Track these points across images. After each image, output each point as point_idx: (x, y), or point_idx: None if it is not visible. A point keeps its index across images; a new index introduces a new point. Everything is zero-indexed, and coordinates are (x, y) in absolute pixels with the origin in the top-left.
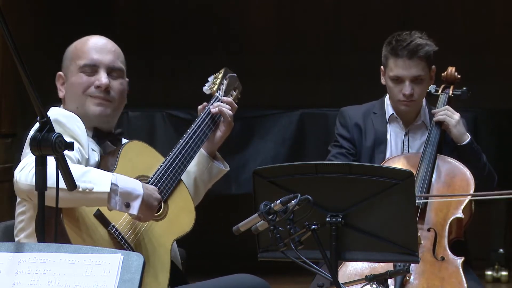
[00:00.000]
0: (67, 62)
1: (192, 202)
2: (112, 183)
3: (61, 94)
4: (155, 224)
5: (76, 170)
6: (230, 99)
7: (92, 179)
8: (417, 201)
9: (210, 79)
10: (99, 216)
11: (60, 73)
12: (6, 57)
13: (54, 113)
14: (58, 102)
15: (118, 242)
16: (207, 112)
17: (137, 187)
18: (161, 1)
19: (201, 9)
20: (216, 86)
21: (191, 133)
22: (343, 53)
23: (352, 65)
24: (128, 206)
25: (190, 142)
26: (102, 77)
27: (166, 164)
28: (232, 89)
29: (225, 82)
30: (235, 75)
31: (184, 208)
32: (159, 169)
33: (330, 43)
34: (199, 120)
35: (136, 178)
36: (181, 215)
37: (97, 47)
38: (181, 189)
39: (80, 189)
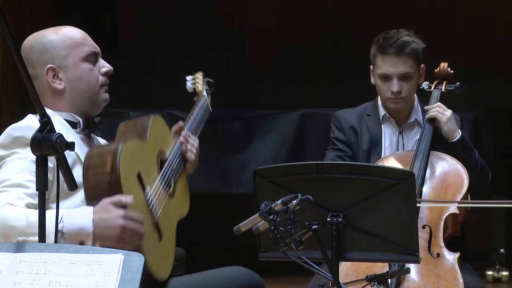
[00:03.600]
0: (57, 53)
1: (188, 188)
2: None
3: (60, 86)
4: (169, 200)
5: (21, 225)
6: (196, 140)
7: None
8: (418, 205)
9: (189, 78)
10: (139, 177)
11: (52, 65)
12: (6, 56)
13: (10, 130)
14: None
15: (149, 208)
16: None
17: (85, 225)
18: (162, 0)
19: (201, 9)
20: (200, 86)
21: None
22: (343, 53)
23: (352, 65)
24: (82, 243)
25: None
26: (106, 63)
27: (178, 146)
28: (209, 94)
29: (205, 85)
30: (212, 81)
31: (185, 193)
32: (173, 148)
33: (330, 43)
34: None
35: (159, 152)
36: (183, 198)
37: (86, 35)
38: (183, 176)
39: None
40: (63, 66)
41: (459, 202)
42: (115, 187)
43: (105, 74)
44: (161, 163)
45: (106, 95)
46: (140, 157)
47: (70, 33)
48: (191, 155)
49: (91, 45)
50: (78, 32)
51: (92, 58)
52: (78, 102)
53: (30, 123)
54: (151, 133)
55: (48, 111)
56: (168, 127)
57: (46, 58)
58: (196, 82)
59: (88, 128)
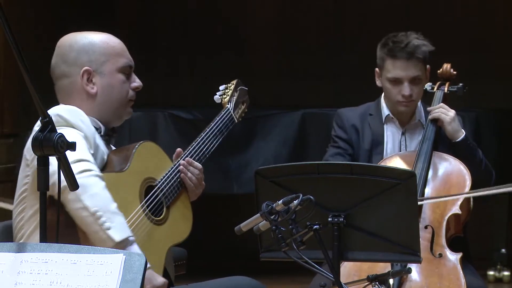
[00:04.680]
0: (95, 57)
1: (191, 211)
2: (127, 238)
3: (92, 90)
4: (155, 228)
5: (108, 202)
6: (199, 166)
7: (116, 222)
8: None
9: (221, 88)
10: None
11: (88, 68)
12: (8, 56)
13: (56, 108)
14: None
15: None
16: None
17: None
18: (162, 0)
19: (202, 9)
20: (227, 98)
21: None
22: (344, 53)
23: (353, 65)
24: None
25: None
26: (137, 79)
27: (174, 170)
28: (241, 102)
29: (236, 94)
30: (246, 88)
31: (184, 216)
32: (167, 173)
33: (331, 43)
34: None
35: (145, 180)
36: (180, 223)
37: (125, 46)
38: (184, 197)
39: (100, 220)
40: (99, 72)
41: (459, 194)
42: (70, 227)
43: (135, 89)
44: (152, 188)
45: (131, 110)
46: (115, 190)
47: (111, 41)
48: (190, 183)
49: (128, 58)
50: (119, 42)
51: (126, 71)
52: (105, 109)
53: (73, 108)
54: (133, 162)
55: None
56: (162, 151)
57: (83, 60)
58: (225, 93)
59: (108, 136)
